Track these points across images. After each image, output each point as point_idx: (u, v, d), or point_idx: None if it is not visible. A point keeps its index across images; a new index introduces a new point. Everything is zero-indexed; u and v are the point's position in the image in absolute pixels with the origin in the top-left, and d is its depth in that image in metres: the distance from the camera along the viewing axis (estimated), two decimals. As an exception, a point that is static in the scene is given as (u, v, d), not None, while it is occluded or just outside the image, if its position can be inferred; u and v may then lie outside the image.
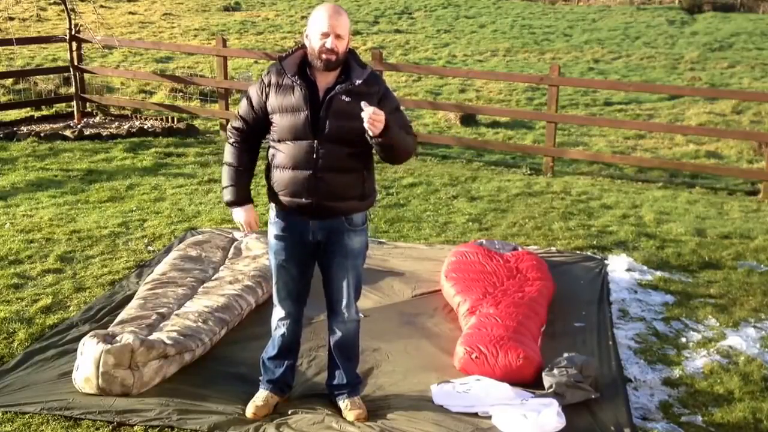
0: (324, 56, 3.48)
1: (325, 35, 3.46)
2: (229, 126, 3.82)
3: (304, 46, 3.60)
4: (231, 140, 3.75)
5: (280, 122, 3.57)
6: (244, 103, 3.71)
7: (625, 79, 15.98)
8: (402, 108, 3.76)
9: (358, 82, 3.51)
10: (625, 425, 3.87)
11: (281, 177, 3.61)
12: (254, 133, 3.71)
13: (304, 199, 3.59)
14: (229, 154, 3.75)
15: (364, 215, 3.77)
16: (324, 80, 3.55)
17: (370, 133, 3.41)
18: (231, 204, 3.78)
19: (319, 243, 3.71)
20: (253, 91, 3.67)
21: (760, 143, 10.54)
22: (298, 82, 3.53)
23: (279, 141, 3.60)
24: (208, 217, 7.11)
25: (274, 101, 3.58)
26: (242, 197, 3.75)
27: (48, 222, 6.81)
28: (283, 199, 3.64)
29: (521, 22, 24.70)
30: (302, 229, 3.68)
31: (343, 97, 3.50)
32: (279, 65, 3.60)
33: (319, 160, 3.52)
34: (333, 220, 3.66)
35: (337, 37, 3.46)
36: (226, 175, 3.75)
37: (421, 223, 7.20)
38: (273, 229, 3.76)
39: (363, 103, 3.38)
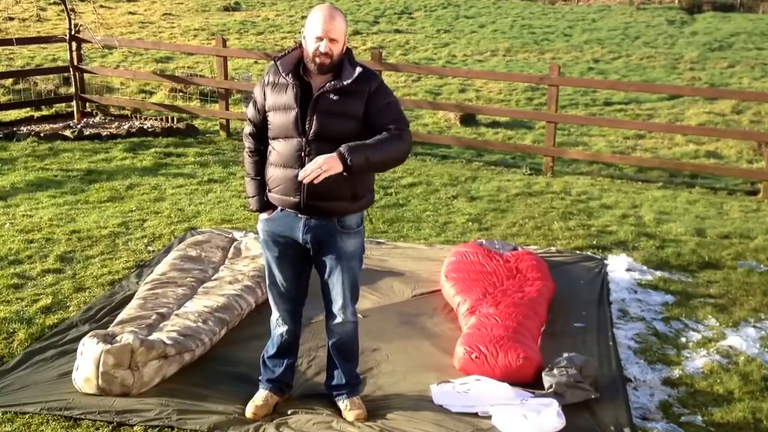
0: (318, 59, 3.50)
1: (319, 39, 3.48)
2: (243, 132, 3.86)
3: (302, 46, 3.62)
4: (246, 150, 3.81)
5: (273, 120, 3.62)
6: (250, 106, 3.77)
7: (625, 79, 15.97)
8: (402, 107, 3.75)
9: (348, 81, 3.52)
10: (625, 425, 3.87)
11: (274, 174, 3.66)
12: (265, 134, 3.72)
13: (293, 198, 3.61)
14: (246, 164, 3.82)
15: (359, 217, 3.75)
16: (318, 80, 3.57)
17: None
18: (257, 211, 3.84)
19: (312, 244, 3.70)
20: (256, 93, 3.72)
21: (760, 143, 10.54)
22: (292, 81, 3.56)
23: (274, 139, 3.65)
24: (207, 217, 7.11)
25: (270, 100, 3.63)
26: (266, 204, 3.78)
27: (48, 222, 6.82)
28: (276, 196, 3.68)
29: (521, 22, 24.70)
30: (293, 227, 3.69)
31: (332, 96, 3.52)
32: (275, 65, 3.63)
33: (306, 158, 3.53)
34: (325, 222, 3.65)
35: (331, 41, 3.48)
36: (248, 186, 3.82)
37: (420, 223, 7.20)
38: (265, 225, 3.78)
39: (300, 172, 3.43)
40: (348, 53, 3.60)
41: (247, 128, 3.80)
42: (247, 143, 3.80)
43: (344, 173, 3.39)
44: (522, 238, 6.80)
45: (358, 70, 3.55)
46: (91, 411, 3.82)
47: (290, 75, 3.57)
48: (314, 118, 3.51)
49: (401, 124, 3.59)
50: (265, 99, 3.65)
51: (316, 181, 3.38)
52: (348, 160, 3.37)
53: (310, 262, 3.81)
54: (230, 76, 12.42)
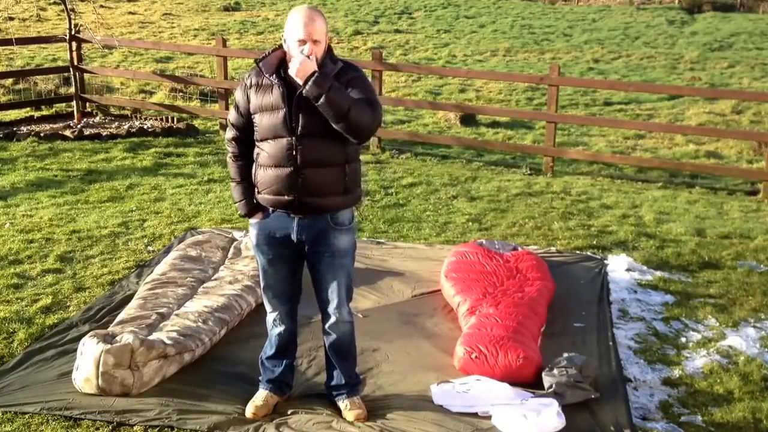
0: None
1: (302, 42, 3.48)
2: (225, 138, 3.86)
3: (282, 47, 3.63)
4: (229, 154, 3.81)
5: (260, 122, 3.62)
6: (232, 110, 3.77)
7: (625, 79, 15.98)
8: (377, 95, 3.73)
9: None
10: (625, 425, 3.87)
11: (264, 175, 3.66)
12: (249, 137, 3.72)
13: (286, 197, 3.62)
14: (231, 169, 3.82)
15: (351, 213, 3.77)
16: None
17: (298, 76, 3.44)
18: (245, 216, 3.85)
19: (305, 243, 3.71)
20: (238, 96, 3.71)
21: (760, 143, 10.54)
22: (276, 81, 3.57)
23: (261, 140, 3.65)
24: (208, 217, 7.11)
25: (255, 101, 3.63)
26: (254, 207, 3.78)
27: (48, 222, 6.82)
28: (267, 197, 3.69)
29: (521, 22, 24.71)
30: (286, 227, 3.70)
31: None
32: (257, 66, 3.64)
33: (298, 156, 3.55)
34: (317, 219, 3.66)
35: (314, 42, 3.49)
36: (234, 191, 3.82)
37: (420, 223, 7.20)
38: (257, 228, 3.78)
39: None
40: (329, 50, 3.61)
41: (229, 133, 3.79)
42: (230, 148, 3.79)
43: (305, 86, 3.43)
44: (522, 238, 6.80)
45: (339, 65, 3.57)
46: (91, 411, 3.82)
47: (274, 75, 3.58)
48: (300, 116, 3.53)
49: (372, 100, 3.58)
50: (248, 102, 3.65)
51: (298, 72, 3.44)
52: (311, 79, 3.40)
53: (303, 259, 3.82)
54: (230, 76, 12.41)
